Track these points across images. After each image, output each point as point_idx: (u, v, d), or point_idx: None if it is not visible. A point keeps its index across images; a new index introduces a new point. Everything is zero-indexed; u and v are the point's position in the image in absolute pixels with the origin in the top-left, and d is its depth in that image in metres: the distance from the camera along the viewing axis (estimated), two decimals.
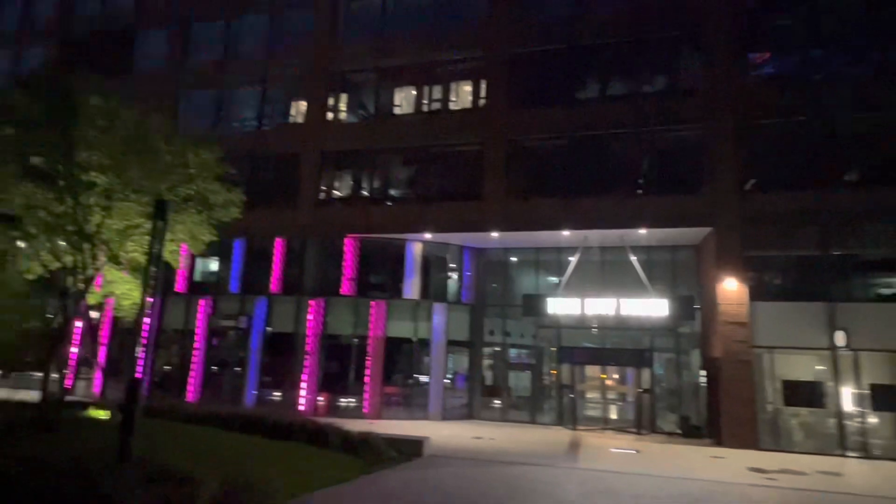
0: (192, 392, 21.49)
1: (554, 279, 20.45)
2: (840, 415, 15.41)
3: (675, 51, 19.26)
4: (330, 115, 22.58)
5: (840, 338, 15.37)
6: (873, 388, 15.32)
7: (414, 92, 21.90)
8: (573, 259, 19.31)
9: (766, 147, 17.51)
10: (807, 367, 16.32)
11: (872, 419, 15.34)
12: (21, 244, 12.11)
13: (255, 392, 20.89)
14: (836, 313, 15.61)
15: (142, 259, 10.84)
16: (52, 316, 12.20)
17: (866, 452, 15.02)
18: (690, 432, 17.85)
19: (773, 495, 10.32)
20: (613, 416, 20.07)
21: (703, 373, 18.28)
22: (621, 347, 19.78)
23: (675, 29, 18.90)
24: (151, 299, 8.95)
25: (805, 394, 15.97)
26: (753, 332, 16.22)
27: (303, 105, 23.15)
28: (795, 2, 17.87)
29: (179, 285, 22.53)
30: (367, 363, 19.91)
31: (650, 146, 18.70)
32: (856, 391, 15.44)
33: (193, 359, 21.82)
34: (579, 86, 20.11)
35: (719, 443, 16.11)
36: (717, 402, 16.63)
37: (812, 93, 17.01)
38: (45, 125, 10.90)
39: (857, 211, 15.95)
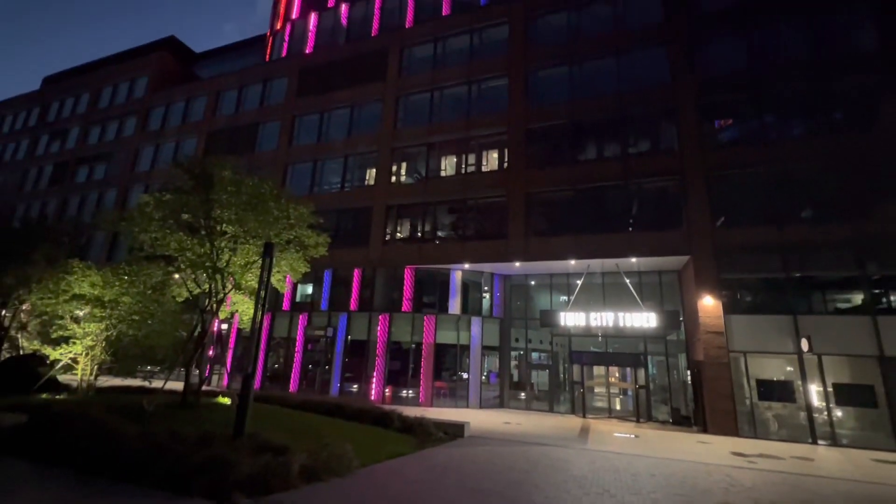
0: (293, 384, 21.79)
1: (564, 298, 19.93)
2: (809, 408, 14.06)
3: (655, 121, 18.87)
4: (393, 179, 23.17)
5: (804, 344, 14.17)
6: (836, 386, 13.98)
7: (455, 159, 22.26)
8: (579, 282, 18.88)
9: (733, 192, 16.68)
10: (778, 368, 15.09)
11: (838, 412, 13.94)
12: (175, 276, 12.70)
13: (339, 385, 20.98)
14: (800, 324, 14.49)
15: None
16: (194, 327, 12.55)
17: (834, 441, 13.60)
18: (680, 421, 16.69)
19: (754, 476, 9.38)
20: (617, 407, 19.00)
21: (689, 373, 17.16)
22: (621, 352, 18.90)
23: (654, 105, 18.64)
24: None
25: (777, 390, 14.72)
26: (729, 339, 15.20)
27: (373, 172, 23.84)
28: (748, 80, 17.24)
29: (285, 305, 23.18)
30: (422, 363, 19.75)
31: (638, 194, 18.20)
32: (821, 389, 14.11)
33: (294, 359, 22.22)
34: (580, 150, 19.92)
35: (705, 430, 14.96)
36: (701, 397, 15.54)
37: (766, 149, 16.30)
38: (193, 192, 11.56)
39: (812, 241, 14.92)
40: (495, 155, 21.76)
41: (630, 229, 17.79)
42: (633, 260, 17.41)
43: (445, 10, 25.78)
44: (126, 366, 12.99)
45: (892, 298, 14.17)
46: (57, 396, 12.27)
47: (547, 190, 19.59)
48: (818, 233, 14.88)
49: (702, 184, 16.83)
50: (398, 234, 22.53)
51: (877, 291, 14.35)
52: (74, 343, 12.53)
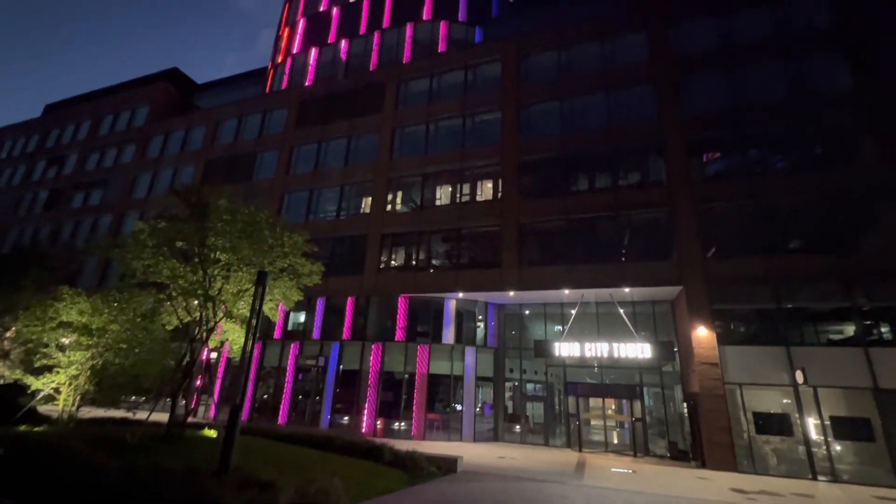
0: (282, 416, 21.19)
1: (559, 327, 19.81)
2: (807, 442, 13.83)
3: (644, 154, 19.34)
4: (388, 207, 23.37)
5: (799, 376, 14.09)
6: (833, 419, 13.81)
7: (449, 189, 22.57)
8: (573, 311, 18.81)
9: (722, 224, 16.97)
10: (774, 401, 14.92)
11: (837, 446, 13.70)
12: (167, 303, 12.51)
13: (329, 416, 20.43)
14: (794, 355, 14.45)
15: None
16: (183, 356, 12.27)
17: (834, 477, 13.32)
18: (678, 456, 16.32)
19: None
20: (614, 440, 18.60)
21: (685, 405, 16.93)
22: (617, 383, 18.65)
23: (642, 139, 19.17)
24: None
25: (774, 423, 14.49)
26: (724, 370, 15.09)
27: (369, 200, 24.05)
28: (732, 116, 17.89)
29: (276, 333, 22.84)
30: (415, 394, 19.36)
31: (629, 224, 18.46)
32: (818, 422, 13.93)
33: (284, 390, 21.69)
34: (572, 182, 20.27)
35: (703, 465, 14.63)
36: (698, 430, 15.27)
37: (753, 182, 16.73)
38: (188, 220, 11.58)
39: (801, 273, 15.10)
40: (489, 185, 22.09)
41: (622, 259, 17.94)
42: (627, 290, 17.48)
43: (441, 47, 26.81)
44: (110, 396, 12.59)
45: (882, 330, 14.25)
46: (36, 428, 11.82)
47: (540, 220, 19.83)
48: (807, 264, 15.09)
49: (691, 215, 17.14)
50: (393, 263, 22.52)
51: (867, 323, 14.43)
52: (58, 372, 12.19)
